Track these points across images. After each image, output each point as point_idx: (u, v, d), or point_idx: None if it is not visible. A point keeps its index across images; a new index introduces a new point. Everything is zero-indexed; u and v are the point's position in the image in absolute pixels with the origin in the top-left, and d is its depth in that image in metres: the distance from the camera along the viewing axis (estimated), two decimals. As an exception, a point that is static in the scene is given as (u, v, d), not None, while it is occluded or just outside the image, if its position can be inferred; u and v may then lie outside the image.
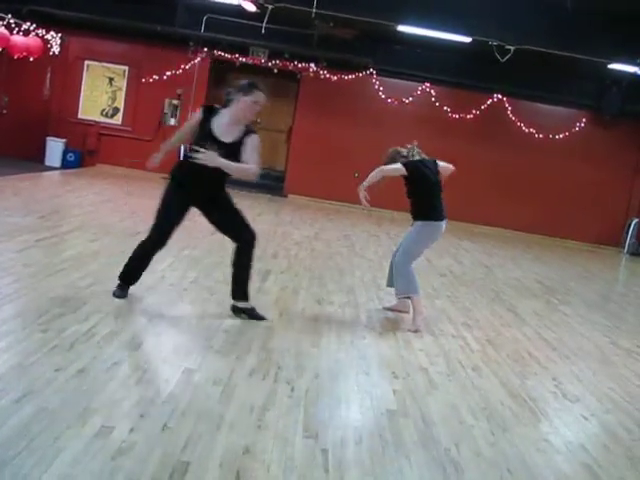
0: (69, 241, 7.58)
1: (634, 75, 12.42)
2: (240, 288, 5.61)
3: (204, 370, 4.29)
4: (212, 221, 5.70)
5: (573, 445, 4.05)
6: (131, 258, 5.66)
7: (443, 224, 6.27)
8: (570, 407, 4.75)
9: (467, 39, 11.95)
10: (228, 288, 5.76)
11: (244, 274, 5.62)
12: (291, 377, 4.41)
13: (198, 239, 8.78)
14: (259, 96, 5.58)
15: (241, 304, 5.61)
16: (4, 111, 15.39)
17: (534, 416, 4.44)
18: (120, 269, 5.65)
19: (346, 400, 4.19)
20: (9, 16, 13.32)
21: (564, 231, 16.03)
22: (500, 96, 15.73)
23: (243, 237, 5.69)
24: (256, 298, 6.27)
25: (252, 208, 13.13)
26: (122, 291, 5.62)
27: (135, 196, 12.25)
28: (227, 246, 8.01)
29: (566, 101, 15.75)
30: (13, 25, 13.60)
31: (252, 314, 5.59)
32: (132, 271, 5.64)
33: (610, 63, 11.99)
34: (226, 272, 7.01)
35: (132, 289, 5.74)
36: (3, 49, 13.38)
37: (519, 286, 9.28)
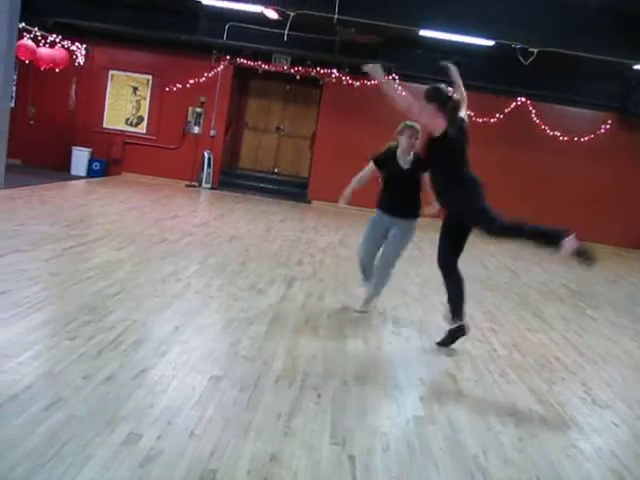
0: (95, 249, 7.64)
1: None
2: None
3: (230, 377, 4.30)
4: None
5: (603, 452, 4.01)
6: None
7: None
8: (600, 413, 4.69)
9: (490, 42, 11.89)
10: (252, 295, 5.78)
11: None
12: (318, 383, 4.40)
13: (221, 246, 8.82)
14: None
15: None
16: (31, 122, 15.60)
17: (563, 422, 4.40)
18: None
19: (373, 406, 4.18)
20: (35, 29, 13.50)
21: (590, 234, 15.74)
22: (524, 99, 15.63)
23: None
24: (281, 305, 6.30)
25: (275, 214, 13.18)
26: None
27: (160, 204, 12.32)
28: (248, 254, 8.07)
29: (591, 103, 15.59)
30: (39, 37, 13.78)
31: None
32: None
33: (636, 64, 11.87)
34: (249, 279, 7.07)
35: (159, 298, 5.77)
36: (30, 61, 13.56)
37: (545, 290, 9.20)
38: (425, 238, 12.27)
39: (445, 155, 5.38)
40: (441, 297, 7.26)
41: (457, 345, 5.78)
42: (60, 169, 15.25)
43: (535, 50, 10.99)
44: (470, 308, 7.26)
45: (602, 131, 15.73)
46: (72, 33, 14.99)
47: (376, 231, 6.34)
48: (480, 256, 11.11)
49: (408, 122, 6.03)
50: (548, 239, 5.16)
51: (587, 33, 10.58)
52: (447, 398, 4.51)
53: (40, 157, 15.36)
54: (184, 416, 3.63)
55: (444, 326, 6.17)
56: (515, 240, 5.40)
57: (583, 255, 5.00)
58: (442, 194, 5.52)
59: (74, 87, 15.85)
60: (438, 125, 5.32)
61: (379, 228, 6.33)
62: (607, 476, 3.70)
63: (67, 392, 3.69)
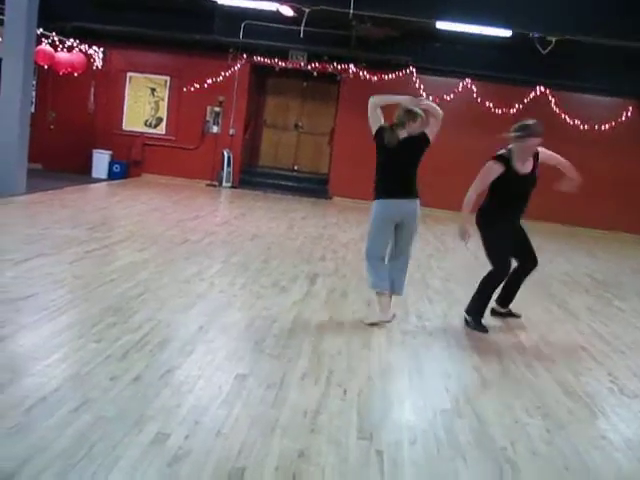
0: (118, 251, 7.69)
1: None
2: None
3: (256, 375, 4.32)
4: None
5: (633, 442, 3.97)
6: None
7: None
8: (628, 403, 4.65)
9: (507, 32, 11.82)
10: (275, 293, 5.79)
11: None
12: (343, 379, 4.41)
13: (243, 245, 8.85)
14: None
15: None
16: (51, 126, 15.73)
17: (591, 413, 4.36)
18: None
19: (399, 401, 4.18)
20: (53, 34, 13.62)
21: (615, 223, 15.72)
22: (543, 89, 15.50)
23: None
24: (305, 301, 6.31)
25: (297, 211, 13.19)
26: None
27: (181, 205, 12.38)
28: (270, 251, 8.09)
29: (611, 90, 15.42)
30: (57, 42, 13.89)
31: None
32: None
33: (656, 49, 11.74)
34: (272, 277, 7.09)
35: (183, 298, 5.82)
36: (49, 66, 13.67)
37: (570, 281, 9.13)
38: (447, 231, 12.27)
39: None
40: (465, 290, 7.27)
41: (482, 338, 5.77)
42: (81, 172, 15.37)
43: (553, 39, 10.91)
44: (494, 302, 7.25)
45: (623, 119, 15.57)
46: (89, 37, 15.10)
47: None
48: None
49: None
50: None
51: (604, 20, 10.47)
52: (473, 391, 4.50)
53: (61, 161, 15.50)
54: (211, 415, 3.65)
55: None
56: None
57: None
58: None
59: (93, 90, 15.96)
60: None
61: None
62: (637, 466, 3.67)
63: (95, 393, 3.72)
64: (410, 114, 5.76)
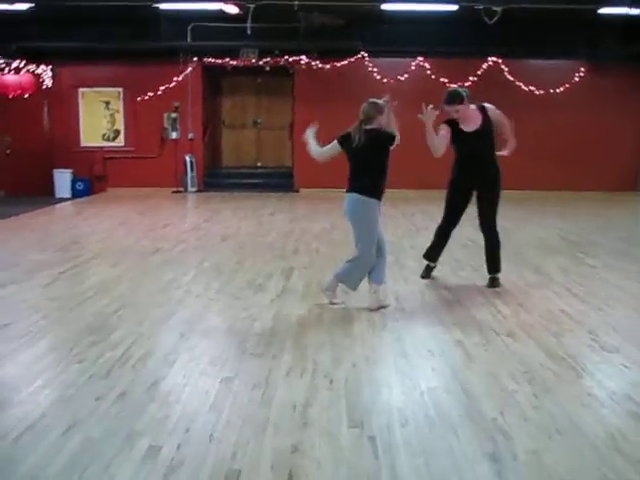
0: (91, 269, 7.63)
1: (626, 16, 12.26)
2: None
3: (242, 376, 4.32)
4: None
5: (618, 396, 4.03)
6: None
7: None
8: (610, 358, 4.72)
9: (453, 7, 11.88)
10: (252, 292, 5.79)
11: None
12: (328, 370, 4.42)
13: (215, 248, 8.84)
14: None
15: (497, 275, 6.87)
16: (8, 152, 15.51)
17: (575, 373, 4.42)
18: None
19: (386, 384, 4.20)
20: (-2, 57, 13.44)
21: (580, 183, 15.89)
22: (495, 59, 15.61)
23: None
24: (282, 297, 6.32)
25: (265, 208, 13.17)
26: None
27: (149, 215, 12.31)
28: (243, 251, 8.08)
29: (562, 53, 15.54)
30: (3, 65, 13.70)
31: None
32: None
33: (599, 8, 11.85)
34: (247, 277, 7.08)
35: (161, 308, 5.80)
36: (-3, 90, 13.50)
37: (542, 245, 9.23)
38: (417, 211, 12.33)
39: None
40: (440, 267, 7.32)
41: (462, 312, 5.83)
42: (44, 194, 15.20)
43: (499, 8, 10.97)
44: (470, 273, 7.32)
45: (577, 80, 15.72)
46: (36, 56, 14.90)
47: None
48: (473, 221, 11.11)
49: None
50: None
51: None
52: (458, 365, 4.54)
53: (23, 185, 15.28)
54: (201, 421, 3.65)
55: (447, 296, 6.23)
56: None
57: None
58: None
59: (46, 110, 15.78)
60: None
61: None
62: (625, 419, 3.73)
63: (82, 415, 3.70)
64: (377, 106, 5.77)
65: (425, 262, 7.21)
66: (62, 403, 3.87)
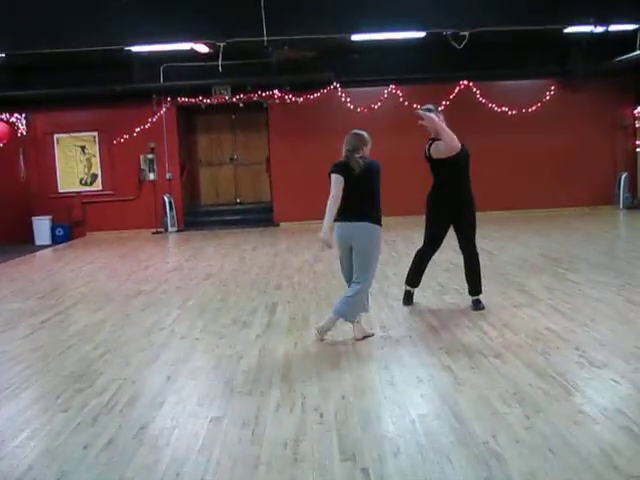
0: (73, 315, 7.56)
1: (591, 34, 12.47)
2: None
3: (230, 414, 4.27)
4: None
5: (609, 411, 4.02)
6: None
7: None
8: (599, 374, 4.72)
9: (421, 34, 12.01)
10: (237, 329, 5.75)
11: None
12: (318, 403, 4.38)
13: (198, 287, 8.80)
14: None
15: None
16: (-15, 201, 15.44)
17: (565, 390, 4.41)
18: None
19: (376, 414, 4.16)
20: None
21: (559, 200, 16.03)
22: (466, 82, 15.81)
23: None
24: (268, 333, 6.28)
25: (247, 243, 13.16)
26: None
27: (130, 257, 12.25)
28: (226, 288, 8.05)
29: (531, 73, 15.81)
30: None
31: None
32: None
33: (565, 27, 12.04)
34: (231, 314, 7.03)
35: (145, 351, 5.74)
36: (-29, 141, 13.47)
37: (524, 264, 9.26)
38: (398, 237, 12.35)
39: None
40: (423, 292, 7.32)
41: (448, 336, 5.81)
42: (24, 242, 15.12)
43: (466, 33, 11.09)
44: (454, 296, 7.32)
45: (548, 98, 15.93)
46: (9, 104, 14.91)
47: None
48: (454, 244, 11.13)
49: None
50: None
51: (512, 7, 10.70)
52: (447, 390, 4.51)
53: (1, 234, 15.19)
54: (191, 464, 3.59)
55: (432, 321, 6.22)
56: None
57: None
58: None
59: (22, 157, 15.75)
60: None
61: None
62: (617, 434, 3.71)
63: (70, 465, 3.63)
64: (362, 137, 5.83)
65: (405, 288, 7.18)
66: (49, 454, 3.80)
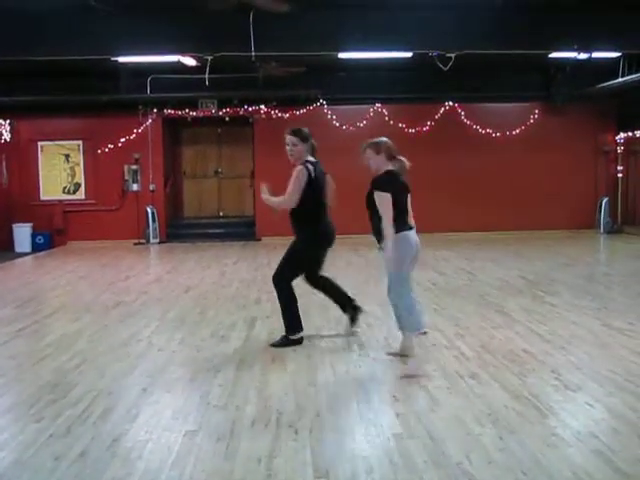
0: (50, 325, 7.51)
1: (575, 60, 12.65)
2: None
3: (205, 429, 4.25)
4: None
5: (582, 434, 4.04)
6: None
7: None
8: (573, 397, 4.75)
9: (408, 54, 12.12)
10: (215, 343, 5.74)
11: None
12: (293, 420, 4.37)
13: (178, 299, 8.77)
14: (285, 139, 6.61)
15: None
16: (-34, 207, 15.35)
17: (539, 413, 4.43)
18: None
19: (351, 432, 4.17)
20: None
21: (539, 223, 16.15)
22: (451, 103, 15.93)
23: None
24: (246, 347, 6.27)
25: (228, 257, 13.14)
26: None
27: (110, 267, 12.19)
28: (206, 302, 8.02)
29: (516, 96, 15.98)
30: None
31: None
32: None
33: (549, 53, 12.20)
34: (210, 327, 7.01)
35: (122, 363, 5.72)
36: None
37: (504, 286, 9.31)
38: (379, 256, 12.36)
39: None
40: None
41: (425, 356, 5.82)
42: (3, 249, 15.02)
43: (452, 55, 11.20)
44: (433, 316, 7.33)
45: (531, 121, 16.10)
46: (-7, 111, 14.89)
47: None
48: (434, 263, 11.21)
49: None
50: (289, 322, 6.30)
51: (498, 31, 10.83)
52: (423, 410, 4.52)
53: (-19, 241, 15.12)
54: (164, 478, 3.57)
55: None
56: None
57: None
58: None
59: (4, 163, 15.67)
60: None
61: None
62: (590, 457, 3.73)
63: (40, 477, 3.60)
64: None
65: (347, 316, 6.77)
66: (19, 465, 3.76)
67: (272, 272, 6.47)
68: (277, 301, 6.41)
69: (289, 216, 6.33)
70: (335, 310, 7.93)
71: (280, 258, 6.42)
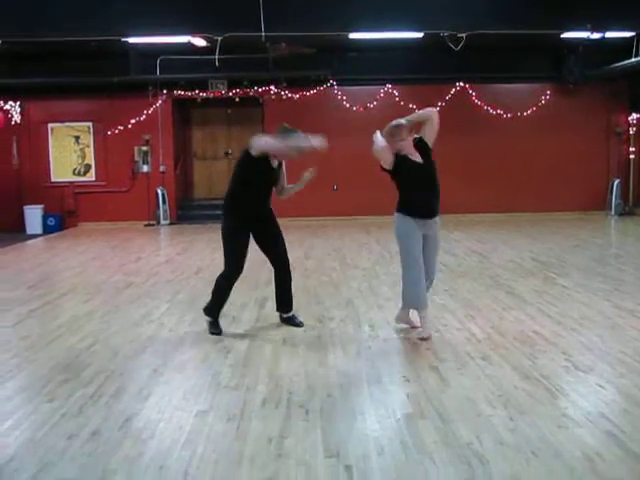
0: (62, 306, 7.55)
1: (587, 40, 12.52)
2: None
3: (216, 409, 4.27)
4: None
5: (593, 415, 4.04)
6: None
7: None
8: (584, 378, 4.74)
9: (419, 34, 12.03)
10: (226, 323, 5.77)
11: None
12: (303, 400, 4.39)
13: (188, 280, 8.79)
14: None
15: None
16: (-23, 188, 15.41)
17: (550, 394, 4.43)
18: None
19: (361, 412, 4.18)
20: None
21: (551, 204, 16.07)
22: (462, 84, 15.83)
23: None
24: (256, 327, 6.29)
25: (239, 239, 13.10)
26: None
27: (121, 249, 12.23)
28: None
29: (527, 77, 15.86)
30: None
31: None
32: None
33: (562, 33, 12.08)
34: (223, 308, 7.02)
35: (133, 343, 5.74)
36: (-35, 128, 13.42)
37: (515, 267, 9.28)
38: (391, 238, 12.35)
39: None
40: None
41: (436, 337, 5.82)
42: (15, 230, 15.07)
43: (463, 35, 11.11)
44: (444, 297, 7.33)
45: (543, 102, 15.98)
46: (3, 92, 14.87)
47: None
48: (446, 245, 11.18)
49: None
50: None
51: (511, 10, 10.74)
52: (433, 391, 4.52)
53: (-7, 222, 15.19)
54: (175, 457, 3.59)
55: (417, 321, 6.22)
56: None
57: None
58: None
59: (15, 146, 15.68)
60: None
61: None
62: (600, 438, 3.73)
63: (53, 456, 3.63)
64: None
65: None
66: (32, 444, 3.79)
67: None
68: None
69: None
70: (347, 289, 7.96)
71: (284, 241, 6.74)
